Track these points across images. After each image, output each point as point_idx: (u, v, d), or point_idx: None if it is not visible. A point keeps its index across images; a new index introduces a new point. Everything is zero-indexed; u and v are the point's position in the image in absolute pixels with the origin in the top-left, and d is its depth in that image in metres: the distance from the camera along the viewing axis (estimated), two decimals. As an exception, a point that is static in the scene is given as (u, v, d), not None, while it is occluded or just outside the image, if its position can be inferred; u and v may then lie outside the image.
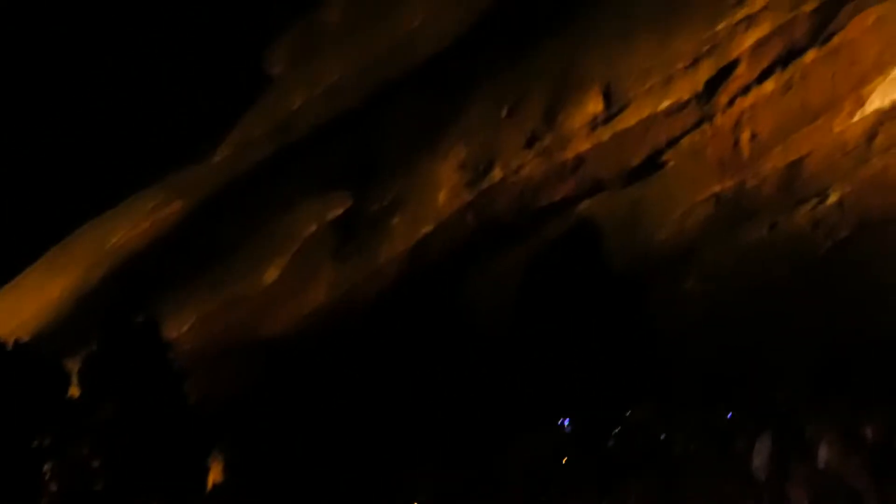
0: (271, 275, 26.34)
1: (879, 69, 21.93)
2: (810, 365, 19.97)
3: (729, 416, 18.41)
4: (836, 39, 22.21)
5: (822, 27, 22.37)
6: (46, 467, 20.37)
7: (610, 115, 23.51)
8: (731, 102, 22.75)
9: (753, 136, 22.69)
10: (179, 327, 25.83)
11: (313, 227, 26.38)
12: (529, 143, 23.99)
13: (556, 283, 23.38)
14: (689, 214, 23.02)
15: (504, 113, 24.51)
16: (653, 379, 21.41)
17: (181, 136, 27.56)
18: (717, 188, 22.93)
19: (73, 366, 21.68)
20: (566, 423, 20.98)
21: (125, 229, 29.20)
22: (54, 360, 21.81)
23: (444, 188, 25.01)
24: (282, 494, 22.10)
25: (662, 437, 18.01)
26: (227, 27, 29.29)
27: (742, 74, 22.71)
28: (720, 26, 22.82)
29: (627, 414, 19.68)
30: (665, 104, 23.09)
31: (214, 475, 22.88)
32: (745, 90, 22.67)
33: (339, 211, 26.56)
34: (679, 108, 23.10)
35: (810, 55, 22.33)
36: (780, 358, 20.59)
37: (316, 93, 28.88)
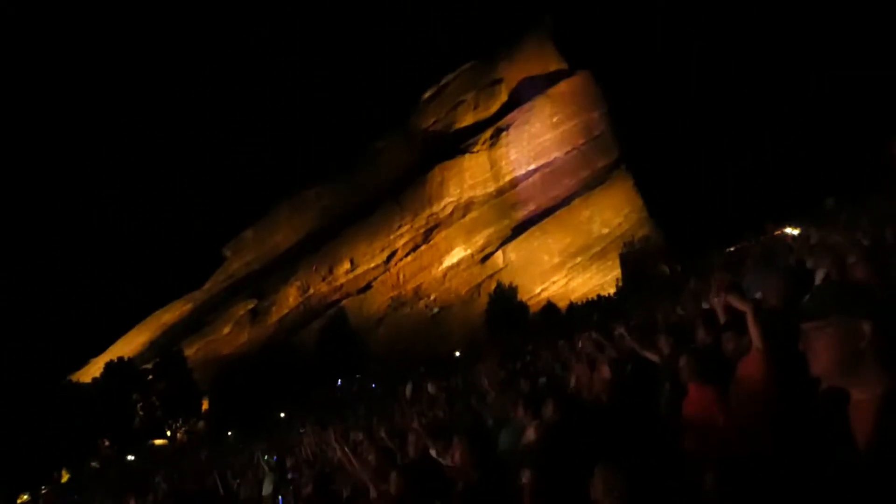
0: (231, 329, 63.36)
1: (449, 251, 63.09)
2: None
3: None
4: (434, 238, 63.37)
5: (426, 237, 63.59)
6: None
7: (353, 269, 63.01)
8: (395, 264, 62.83)
9: (404, 278, 62.41)
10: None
11: (241, 312, 63.86)
12: (324, 278, 63.01)
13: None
14: (383, 307, 61.76)
15: (323, 272, 63.66)
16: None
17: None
18: (394, 293, 62.05)
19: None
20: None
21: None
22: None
23: (292, 294, 63.50)
24: None
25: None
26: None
27: (399, 254, 63.13)
28: (392, 237, 63.67)
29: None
30: (372, 265, 62.97)
31: None
32: (401, 260, 62.93)
33: (252, 305, 64.26)
34: (376, 268, 62.98)
35: (422, 248, 63.19)
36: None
37: (245, 264, 67.92)
